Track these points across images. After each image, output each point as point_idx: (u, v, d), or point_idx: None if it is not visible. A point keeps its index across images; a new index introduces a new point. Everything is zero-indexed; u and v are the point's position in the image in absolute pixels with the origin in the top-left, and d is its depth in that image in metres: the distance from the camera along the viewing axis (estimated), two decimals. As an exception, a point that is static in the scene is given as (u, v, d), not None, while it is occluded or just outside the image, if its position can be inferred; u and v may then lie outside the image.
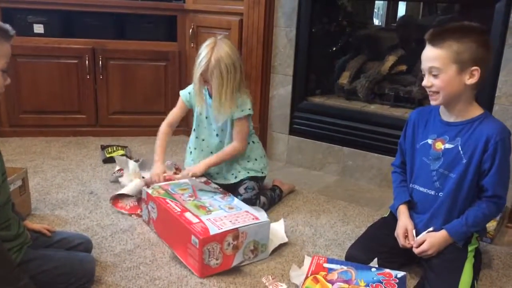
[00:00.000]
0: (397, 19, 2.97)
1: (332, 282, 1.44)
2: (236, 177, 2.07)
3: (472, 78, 1.44)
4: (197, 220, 1.62)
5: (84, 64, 2.78)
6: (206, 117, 2.08)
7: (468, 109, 1.52)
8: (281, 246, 1.78)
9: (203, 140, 2.12)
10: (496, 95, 1.99)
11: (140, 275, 1.57)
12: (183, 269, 1.61)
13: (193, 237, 1.55)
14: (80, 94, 2.83)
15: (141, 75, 2.88)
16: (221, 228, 1.58)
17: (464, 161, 1.51)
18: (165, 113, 2.93)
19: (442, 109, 1.58)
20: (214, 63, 1.87)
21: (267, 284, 1.51)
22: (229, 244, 1.58)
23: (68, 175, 2.35)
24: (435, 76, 1.46)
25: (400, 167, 1.75)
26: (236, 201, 1.82)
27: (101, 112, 2.90)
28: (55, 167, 2.44)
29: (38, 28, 2.75)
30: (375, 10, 3.07)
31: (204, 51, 1.90)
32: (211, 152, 2.10)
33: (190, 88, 2.10)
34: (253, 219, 1.66)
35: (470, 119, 1.51)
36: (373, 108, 2.48)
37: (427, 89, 1.51)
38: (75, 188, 2.20)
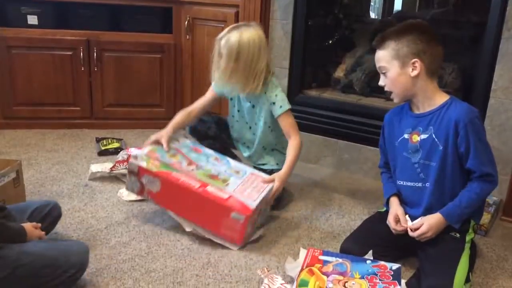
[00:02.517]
0: (393, 13, 2.96)
1: (327, 274, 1.45)
2: (265, 165, 2.10)
3: (414, 69, 1.53)
4: (227, 195, 1.69)
5: (78, 56, 2.76)
6: (238, 110, 2.07)
7: (432, 97, 1.58)
8: (277, 238, 1.79)
9: (235, 131, 2.14)
10: (492, 88, 1.99)
11: (135, 267, 1.56)
12: (179, 261, 1.61)
13: (234, 213, 1.65)
14: (74, 86, 2.81)
15: (136, 67, 2.86)
16: (256, 200, 1.70)
17: (441, 147, 1.54)
18: (160, 105, 2.98)
19: (411, 104, 1.64)
20: (222, 43, 1.86)
21: (262, 276, 1.51)
22: (259, 211, 1.72)
23: (62, 167, 2.34)
24: (384, 74, 1.58)
25: (385, 167, 1.79)
26: (233, 163, 1.88)
27: (96, 105, 2.88)
28: (49, 159, 2.43)
29: (32, 19, 2.72)
30: (372, 3, 3.06)
31: (225, 30, 1.90)
32: (244, 143, 2.15)
33: None
34: (263, 182, 1.81)
35: (437, 107, 1.57)
36: (369, 101, 2.48)
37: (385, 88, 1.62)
38: (70, 181, 2.19)
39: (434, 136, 1.55)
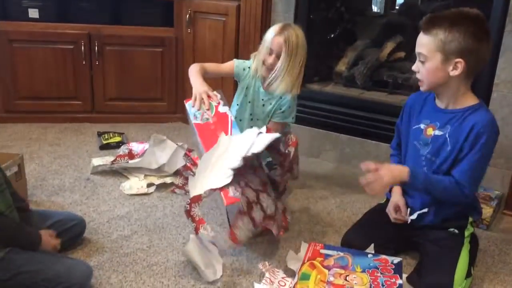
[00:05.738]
0: (397, 5, 2.94)
1: (328, 268, 1.45)
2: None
3: (455, 70, 1.42)
4: None
5: (80, 49, 2.75)
6: (249, 102, 2.01)
7: (461, 97, 1.50)
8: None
9: (240, 120, 2.02)
10: (494, 82, 1.98)
11: (137, 261, 1.57)
12: (180, 255, 1.61)
13: None
14: (76, 80, 2.81)
15: (137, 61, 2.85)
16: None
17: (449, 148, 1.51)
18: (162, 99, 2.97)
19: (436, 95, 1.58)
20: (281, 40, 1.84)
21: (264, 270, 1.52)
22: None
23: (64, 161, 2.34)
24: (422, 62, 1.47)
25: (396, 149, 1.76)
26: None
27: (97, 99, 2.88)
28: (51, 153, 2.43)
29: (33, 13, 2.71)
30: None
31: (277, 25, 1.89)
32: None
33: (248, 63, 2.01)
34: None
35: (462, 108, 1.50)
36: (371, 95, 2.47)
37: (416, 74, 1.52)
38: (72, 175, 2.19)
39: (447, 136, 1.51)
